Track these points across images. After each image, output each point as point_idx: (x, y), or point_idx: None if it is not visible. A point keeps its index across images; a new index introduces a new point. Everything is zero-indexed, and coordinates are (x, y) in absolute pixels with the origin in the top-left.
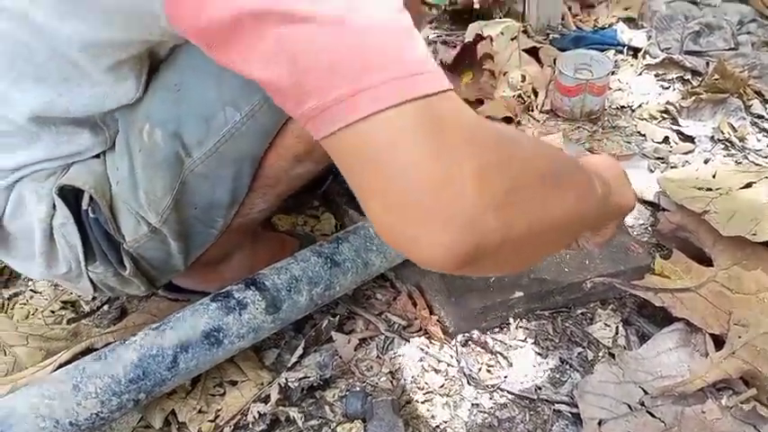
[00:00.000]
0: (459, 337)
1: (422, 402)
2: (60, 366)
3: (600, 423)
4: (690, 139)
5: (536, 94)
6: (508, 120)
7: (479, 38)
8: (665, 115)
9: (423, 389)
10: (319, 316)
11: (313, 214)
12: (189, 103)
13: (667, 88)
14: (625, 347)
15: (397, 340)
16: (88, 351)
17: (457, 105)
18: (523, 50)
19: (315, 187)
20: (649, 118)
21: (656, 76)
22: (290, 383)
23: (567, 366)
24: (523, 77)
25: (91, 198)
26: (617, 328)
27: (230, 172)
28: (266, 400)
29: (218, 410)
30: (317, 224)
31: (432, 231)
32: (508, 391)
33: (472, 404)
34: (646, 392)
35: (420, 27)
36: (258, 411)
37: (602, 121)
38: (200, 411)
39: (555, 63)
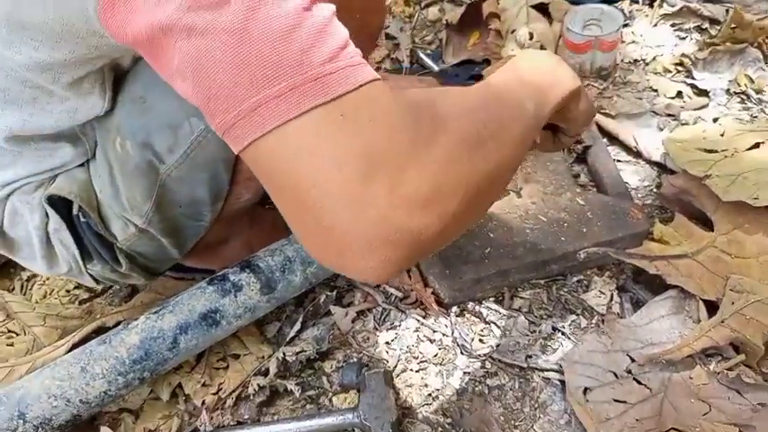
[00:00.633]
0: (455, 308)
1: (416, 371)
2: (75, 345)
3: (585, 391)
4: (704, 93)
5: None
6: None
7: None
8: (680, 68)
9: (417, 358)
10: (320, 289)
11: None
12: (154, 114)
13: (684, 39)
14: (619, 314)
15: (393, 312)
16: (100, 329)
17: (374, 99)
18: (533, 6)
19: None
20: (663, 71)
21: (672, 26)
22: (287, 357)
23: (560, 334)
24: (531, 35)
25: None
26: (612, 295)
27: (206, 174)
28: (266, 373)
29: (221, 383)
30: None
31: (357, 259)
32: (499, 360)
33: (464, 372)
34: (633, 360)
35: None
36: (258, 384)
37: (612, 77)
38: (204, 384)
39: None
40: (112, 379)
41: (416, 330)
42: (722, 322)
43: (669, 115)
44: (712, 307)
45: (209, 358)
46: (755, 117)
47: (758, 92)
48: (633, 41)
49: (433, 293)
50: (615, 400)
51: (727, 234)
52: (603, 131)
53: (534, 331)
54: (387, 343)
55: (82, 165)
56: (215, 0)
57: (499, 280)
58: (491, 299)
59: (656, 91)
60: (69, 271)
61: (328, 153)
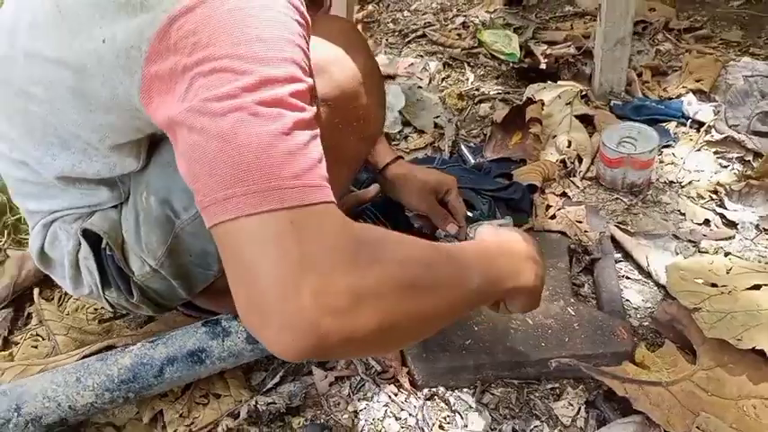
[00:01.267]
0: (425, 391)
1: None
2: (84, 357)
3: None
4: (733, 224)
5: (581, 160)
6: (533, 188)
7: (529, 101)
8: (714, 196)
9: None
10: None
11: None
12: (177, 178)
13: (726, 167)
14: (582, 429)
15: (369, 384)
16: (109, 347)
17: (323, 217)
18: (578, 116)
19: None
20: (696, 197)
21: (715, 153)
22: (259, 406)
23: None
24: (569, 143)
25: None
26: (579, 408)
27: None
28: (237, 416)
29: (196, 417)
30: None
31: (274, 334)
32: None
33: None
34: None
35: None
36: (227, 425)
37: (644, 195)
38: (181, 416)
39: None
40: (100, 393)
41: (386, 405)
42: None
43: (690, 241)
44: None
45: (194, 392)
46: None
47: None
48: (672, 163)
49: (408, 373)
50: None
51: (708, 370)
52: (619, 246)
53: (495, 429)
54: (355, 412)
55: (116, 206)
56: (216, 111)
57: (473, 372)
58: (464, 389)
59: (683, 215)
60: (90, 293)
61: (271, 250)
